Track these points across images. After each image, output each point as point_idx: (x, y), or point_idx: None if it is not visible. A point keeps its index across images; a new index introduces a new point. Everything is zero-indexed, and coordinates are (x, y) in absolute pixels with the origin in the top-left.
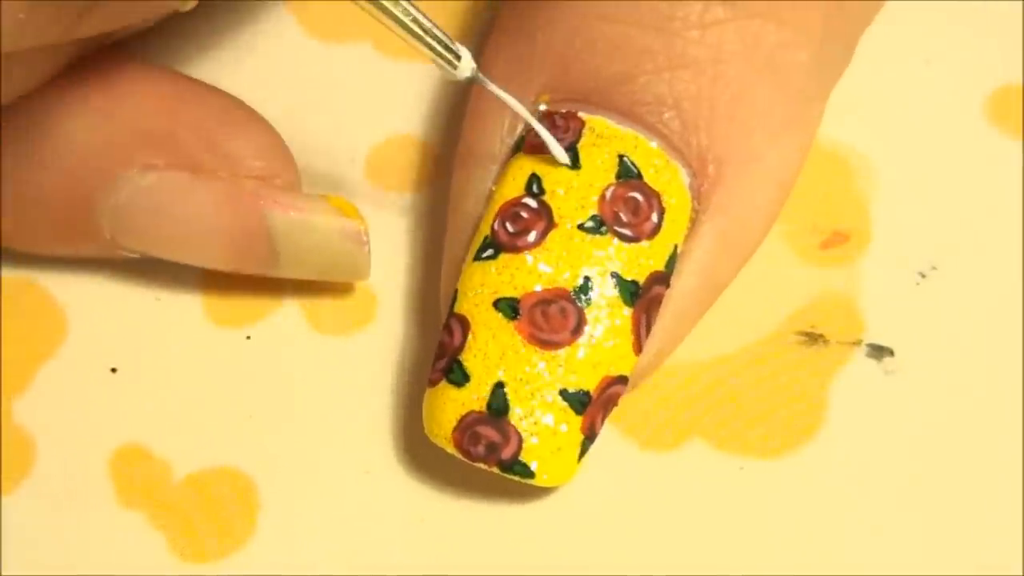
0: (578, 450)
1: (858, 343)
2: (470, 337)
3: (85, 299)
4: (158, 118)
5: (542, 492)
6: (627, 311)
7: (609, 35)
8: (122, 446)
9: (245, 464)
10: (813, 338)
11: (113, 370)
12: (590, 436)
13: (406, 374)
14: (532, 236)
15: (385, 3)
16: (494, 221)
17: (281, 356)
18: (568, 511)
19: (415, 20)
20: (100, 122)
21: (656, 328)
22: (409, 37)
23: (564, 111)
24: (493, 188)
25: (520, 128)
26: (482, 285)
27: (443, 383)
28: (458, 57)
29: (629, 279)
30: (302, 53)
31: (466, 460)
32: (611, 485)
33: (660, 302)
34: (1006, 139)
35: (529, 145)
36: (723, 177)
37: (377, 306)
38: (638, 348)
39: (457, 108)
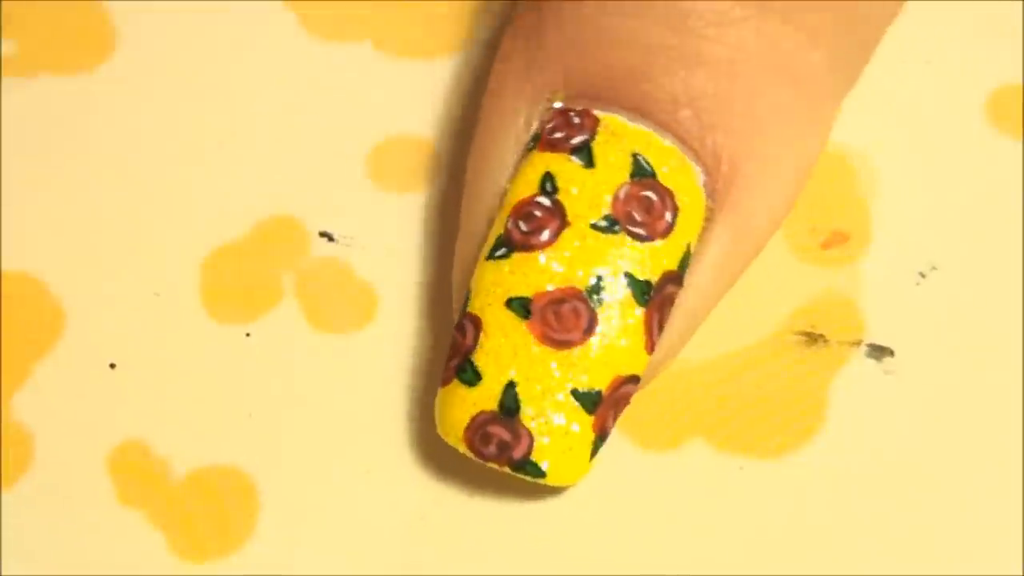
0: (590, 449)
1: (858, 343)
2: (482, 336)
3: (83, 294)
4: None
5: (547, 491)
6: (639, 311)
7: (624, 31)
8: (121, 443)
9: (245, 463)
10: (813, 338)
11: (112, 366)
12: (601, 435)
13: (407, 373)
14: (545, 235)
15: None
16: (507, 220)
17: (281, 354)
18: (569, 511)
19: None
20: None
21: (668, 327)
22: None
23: (579, 108)
24: (507, 186)
25: (535, 125)
26: (495, 284)
27: (455, 382)
28: None
29: (642, 279)
30: (302, 53)
31: (478, 460)
32: (611, 485)
33: (672, 302)
34: (1006, 139)
35: (544, 142)
36: (737, 177)
37: (378, 305)
38: (650, 347)
39: (458, 108)
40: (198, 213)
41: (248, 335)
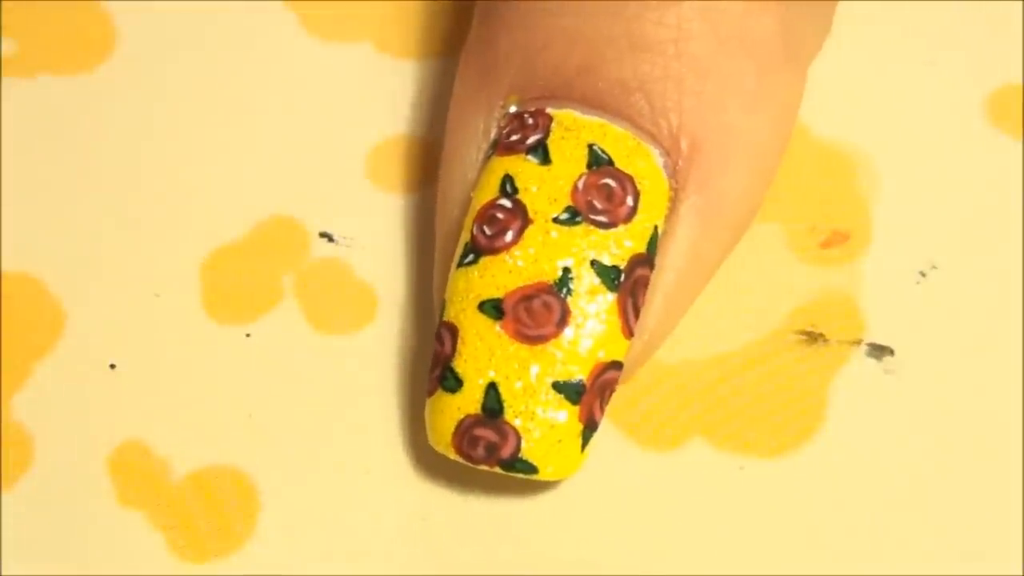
0: (580, 440)
1: (858, 342)
2: (459, 343)
3: (83, 294)
4: None
5: (545, 488)
6: (611, 296)
7: (568, 29)
8: (121, 444)
9: (245, 463)
10: (813, 337)
11: (112, 366)
12: (590, 425)
13: (406, 374)
14: (509, 236)
15: None
16: (473, 227)
17: (281, 355)
18: (569, 511)
19: None
20: None
21: (646, 311)
22: None
23: (533, 109)
24: (472, 195)
25: (493, 132)
26: (466, 291)
27: (439, 392)
28: None
29: (609, 265)
30: (302, 53)
31: (469, 464)
32: (611, 485)
33: (645, 284)
34: (1006, 139)
35: (502, 146)
36: (698, 154)
37: (377, 306)
38: (627, 332)
39: None
40: (198, 213)
41: (248, 336)
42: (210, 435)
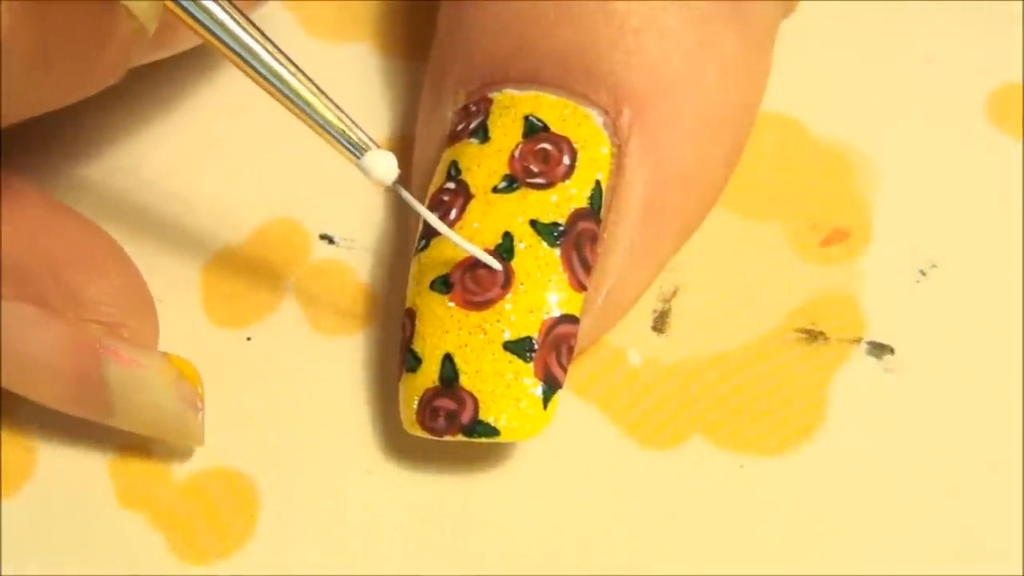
0: (540, 399)
1: (858, 341)
2: (417, 324)
3: None
4: (13, 246)
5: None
6: (554, 251)
7: (502, 16)
8: (123, 446)
9: (245, 465)
10: (813, 335)
11: None
12: (549, 382)
13: None
14: (453, 213)
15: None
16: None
17: (281, 356)
18: (569, 510)
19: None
20: None
21: (604, 265)
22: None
23: (477, 98)
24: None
25: (448, 129)
26: (420, 275)
27: (404, 374)
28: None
29: (549, 222)
30: (302, 53)
31: (434, 437)
32: (611, 485)
33: (592, 237)
34: (1007, 138)
35: (450, 138)
36: (642, 109)
37: (378, 307)
38: (577, 285)
39: None
40: (199, 217)
41: (249, 339)
42: (211, 437)
